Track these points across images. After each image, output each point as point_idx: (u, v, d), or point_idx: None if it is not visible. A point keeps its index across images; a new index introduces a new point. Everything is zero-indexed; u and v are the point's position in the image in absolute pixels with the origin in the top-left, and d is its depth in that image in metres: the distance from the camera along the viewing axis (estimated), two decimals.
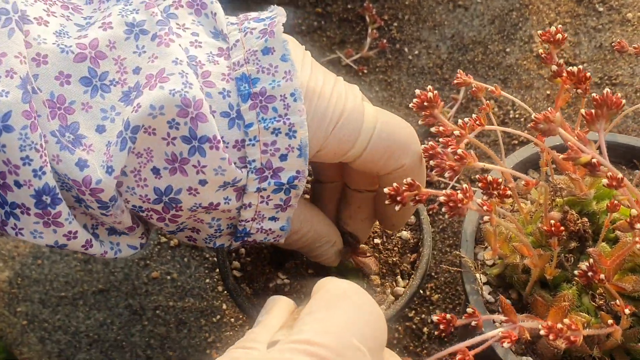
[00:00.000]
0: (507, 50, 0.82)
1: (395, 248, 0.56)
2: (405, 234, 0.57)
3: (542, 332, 0.35)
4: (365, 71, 0.80)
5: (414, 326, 0.65)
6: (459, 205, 0.37)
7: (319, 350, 0.30)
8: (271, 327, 0.35)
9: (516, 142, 0.75)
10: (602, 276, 0.38)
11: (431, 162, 0.39)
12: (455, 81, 0.51)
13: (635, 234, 0.39)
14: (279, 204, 0.44)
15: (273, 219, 0.45)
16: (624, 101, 0.37)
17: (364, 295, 0.34)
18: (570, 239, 0.48)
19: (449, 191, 0.37)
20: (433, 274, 0.67)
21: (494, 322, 0.47)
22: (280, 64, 0.41)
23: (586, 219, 0.48)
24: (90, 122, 0.39)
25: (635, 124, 0.76)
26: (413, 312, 0.66)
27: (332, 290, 0.35)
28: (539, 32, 0.42)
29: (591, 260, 0.38)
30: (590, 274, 0.38)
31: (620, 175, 0.36)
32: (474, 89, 0.51)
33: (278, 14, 0.43)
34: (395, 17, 0.85)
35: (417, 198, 0.40)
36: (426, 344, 0.64)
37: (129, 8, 0.41)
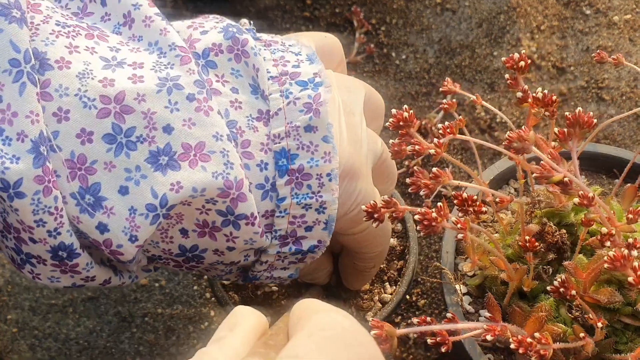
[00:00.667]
0: (495, 53, 0.82)
1: None
2: (393, 241, 0.57)
3: (512, 346, 0.36)
4: (353, 76, 0.80)
5: None
6: (434, 223, 0.37)
7: None
8: (232, 351, 0.27)
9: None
10: (573, 292, 0.39)
11: (407, 180, 0.39)
12: (441, 89, 0.51)
13: (612, 248, 0.39)
14: (294, 261, 0.44)
15: (284, 269, 0.45)
16: (595, 120, 0.38)
17: (363, 337, 0.27)
18: (549, 250, 0.48)
19: (423, 209, 0.38)
20: (419, 279, 0.68)
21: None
22: (322, 144, 0.40)
23: (564, 231, 0.49)
24: (112, 182, 0.36)
25: (621, 129, 0.77)
26: (399, 317, 0.67)
27: (322, 327, 0.27)
28: (503, 59, 0.43)
29: (563, 275, 0.39)
30: (562, 290, 0.39)
31: (591, 194, 0.37)
32: (453, 100, 0.52)
33: (324, 82, 0.41)
34: (383, 21, 0.85)
35: (394, 215, 0.41)
36: (412, 349, 0.65)
37: (163, 62, 0.38)
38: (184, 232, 0.39)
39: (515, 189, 0.57)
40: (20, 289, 0.68)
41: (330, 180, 0.40)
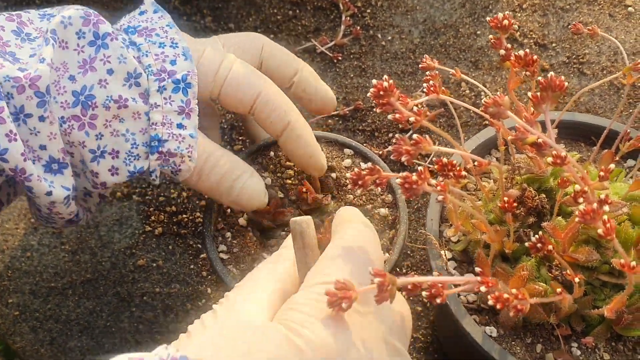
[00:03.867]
0: (478, 32, 0.84)
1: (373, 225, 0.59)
2: (383, 211, 0.59)
3: (490, 302, 0.38)
4: (340, 58, 0.82)
5: None
6: (414, 186, 0.39)
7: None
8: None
9: (487, 122, 0.77)
10: (550, 247, 0.41)
11: (389, 148, 0.41)
12: (421, 66, 0.53)
13: (585, 206, 0.41)
14: (182, 106, 0.52)
15: (180, 126, 0.52)
16: (566, 84, 0.39)
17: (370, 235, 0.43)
18: (529, 214, 0.50)
19: (403, 174, 0.39)
20: (409, 252, 0.70)
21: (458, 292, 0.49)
22: (153, 15, 0.54)
23: (544, 195, 0.51)
24: (23, 51, 0.49)
25: (601, 101, 0.78)
26: None
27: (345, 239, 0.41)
28: (488, 18, 0.44)
29: (540, 232, 0.41)
30: (539, 245, 0.41)
31: (563, 153, 0.39)
32: (436, 72, 0.53)
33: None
34: (369, 3, 0.87)
35: (377, 182, 0.43)
36: None
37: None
38: (72, 79, 0.49)
39: (497, 159, 0.59)
40: (20, 273, 0.70)
41: (170, 28, 0.53)
